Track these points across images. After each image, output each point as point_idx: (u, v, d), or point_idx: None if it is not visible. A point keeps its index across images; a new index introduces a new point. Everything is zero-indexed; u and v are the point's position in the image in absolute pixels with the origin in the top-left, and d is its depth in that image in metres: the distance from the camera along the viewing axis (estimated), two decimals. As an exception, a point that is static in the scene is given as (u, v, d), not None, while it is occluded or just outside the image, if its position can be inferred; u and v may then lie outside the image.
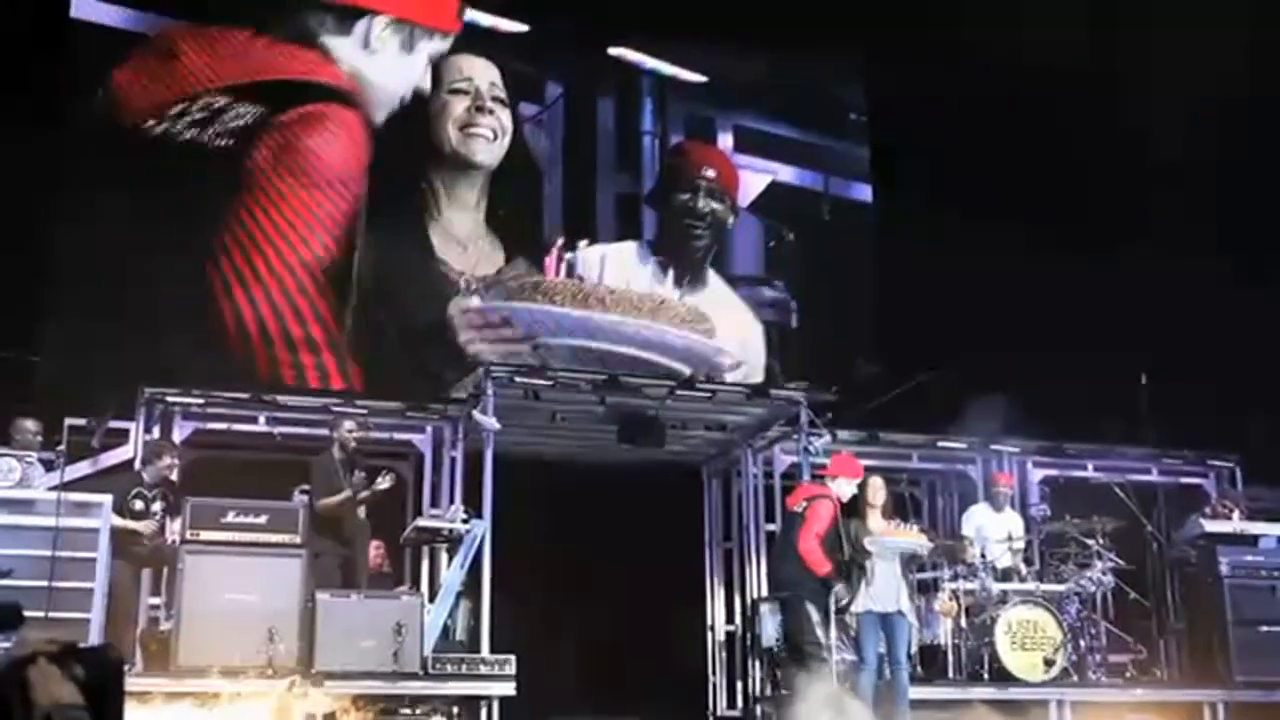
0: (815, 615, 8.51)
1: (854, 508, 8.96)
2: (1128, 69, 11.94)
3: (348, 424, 9.65)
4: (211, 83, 11.77)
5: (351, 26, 12.44)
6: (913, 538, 9.11)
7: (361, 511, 9.66)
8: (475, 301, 11.86)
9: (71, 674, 2.77)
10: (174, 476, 9.26)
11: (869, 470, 9.25)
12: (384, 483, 9.44)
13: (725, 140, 14.12)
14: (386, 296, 12.06)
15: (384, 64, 12.51)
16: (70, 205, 11.38)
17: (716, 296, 13.36)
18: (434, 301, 12.24)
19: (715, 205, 13.52)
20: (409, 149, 12.58)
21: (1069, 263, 11.93)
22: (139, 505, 8.91)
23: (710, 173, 13.56)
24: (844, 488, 8.92)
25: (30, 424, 8.99)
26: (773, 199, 14.11)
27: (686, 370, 10.11)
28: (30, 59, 10.86)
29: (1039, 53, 11.84)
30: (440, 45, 12.76)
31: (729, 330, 12.87)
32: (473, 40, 12.99)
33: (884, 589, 8.76)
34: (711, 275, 13.43)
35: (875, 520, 8.99)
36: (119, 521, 8.61)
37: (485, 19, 13.03)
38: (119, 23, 12.02)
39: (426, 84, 12.69)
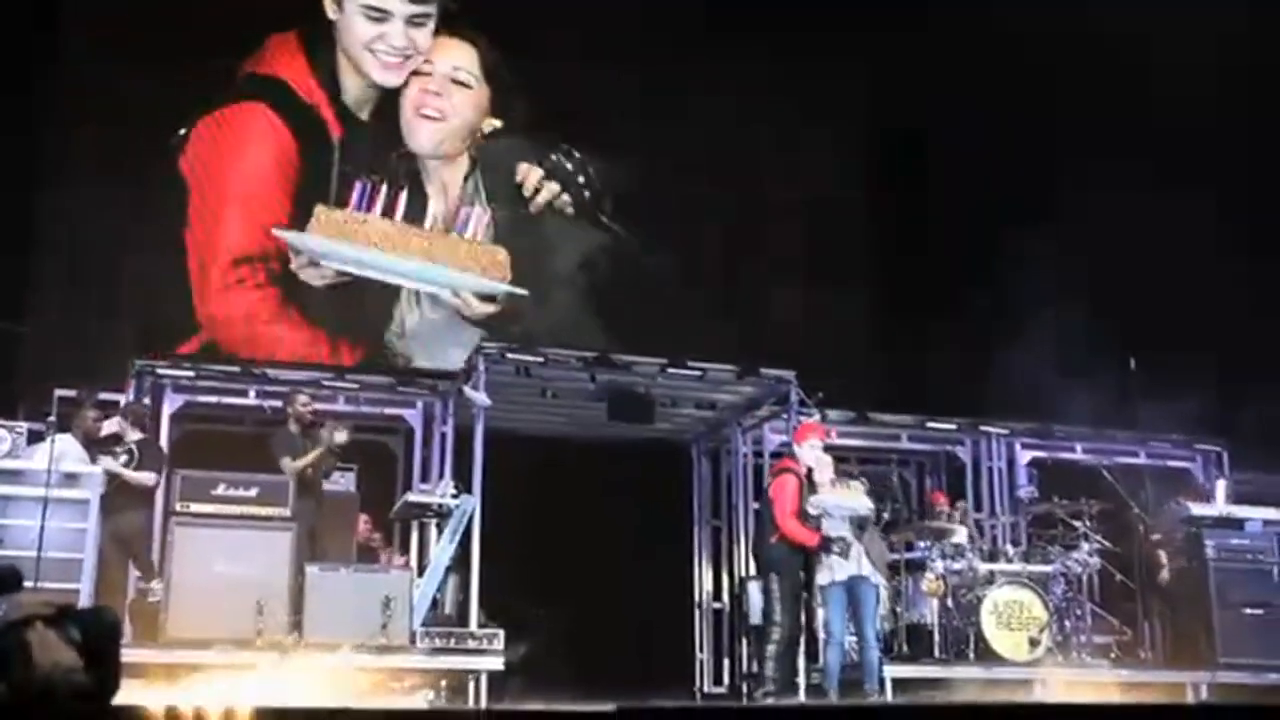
0: (777, 593, 8.55)
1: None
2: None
3: (301, 398, 9.64)
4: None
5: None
6: (850, 496, 8.70)
7: (353, 484, 9.70)
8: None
9: (68, 636, 2.78)
10: (130, 431, 9.23)
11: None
12: (341, 436, 9.45)
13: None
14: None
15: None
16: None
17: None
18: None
19: None
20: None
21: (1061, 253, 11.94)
22: (104, 461, 8.87)
23: None
24: (809, 452, 8.78)
25: (91, 413, 9.12)
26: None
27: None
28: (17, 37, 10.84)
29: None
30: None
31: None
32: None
33: (843, 557, 8.49)
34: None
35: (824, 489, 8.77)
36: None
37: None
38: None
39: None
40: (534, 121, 13.11)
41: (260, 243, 12.11)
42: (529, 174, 13.09)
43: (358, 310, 12.29)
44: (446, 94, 13.04)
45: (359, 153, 12.59)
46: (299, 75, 12.70)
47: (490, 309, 11.83)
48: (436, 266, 10.16)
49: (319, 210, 10.61)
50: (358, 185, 10.65)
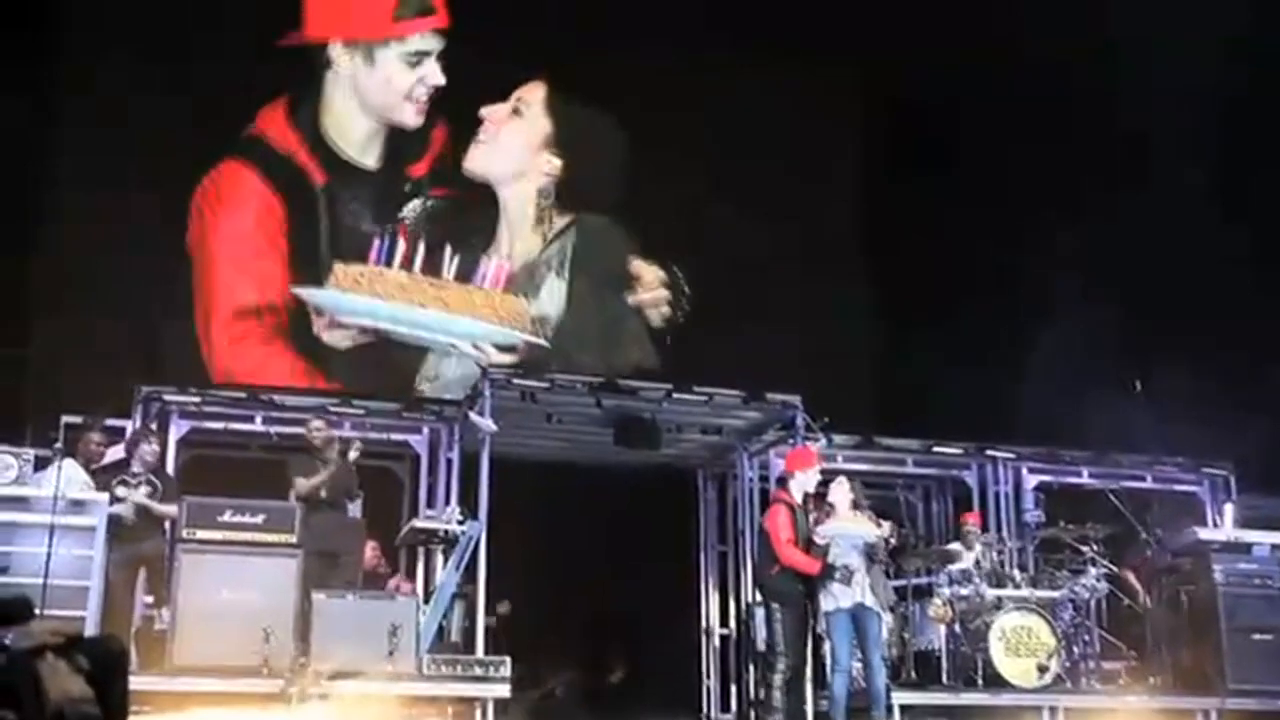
0: (781, 623, 8.53)
1: (820, 507, 8.80)
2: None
3: (315, 423, 9.64)
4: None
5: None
6: (856, 525, 8.60)
7: (357, 510, 9.70)
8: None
9: (77, 666, 2.78)
10: (155, 461, 9.24)
11: (842, 473, 9.15)
12: (353, 453, 9.51)
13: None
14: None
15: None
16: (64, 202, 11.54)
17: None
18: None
19: None
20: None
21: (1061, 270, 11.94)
22: (121, 491, 8.88)
23: None
24: (803, 481, 8.78)
25: (95, 438, 9.16)
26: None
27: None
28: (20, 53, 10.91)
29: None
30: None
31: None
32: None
33: (845, 584, 8.45)
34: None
35: (835, 518, 8.69)
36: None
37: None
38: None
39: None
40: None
41: (258, 297, 12.36)
42: (645, 270, 13.30)
43: (383, 363, 12.39)
44: (497, 119, 13.29)
45: (361, 199, 12.84)
46: (279, 130, 12.85)
47: (510, 359, 11.78)
48: (452, 316, 10.30)
49: (337, 267, 10.83)
50: (376, 239, 10.85)
